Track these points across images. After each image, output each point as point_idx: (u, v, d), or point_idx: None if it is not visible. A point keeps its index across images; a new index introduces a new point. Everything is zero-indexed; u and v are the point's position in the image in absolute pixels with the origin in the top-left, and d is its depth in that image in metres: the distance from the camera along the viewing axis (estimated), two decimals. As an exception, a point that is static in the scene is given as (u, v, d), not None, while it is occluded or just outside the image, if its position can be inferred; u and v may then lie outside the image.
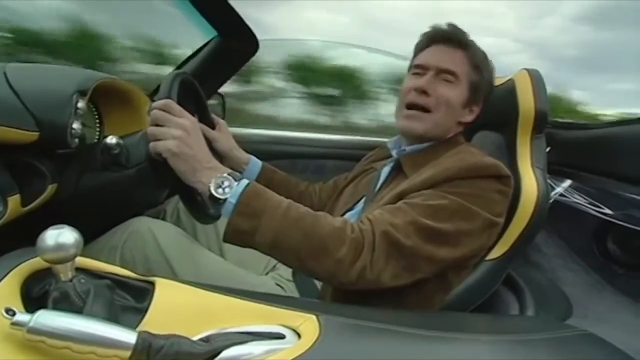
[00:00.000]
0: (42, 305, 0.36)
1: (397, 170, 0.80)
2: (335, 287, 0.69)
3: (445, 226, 0.62)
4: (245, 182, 0.58)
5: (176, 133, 0.59)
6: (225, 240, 0.58)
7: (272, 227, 0.56)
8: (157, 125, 0.61)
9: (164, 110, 0.61)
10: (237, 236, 0.58)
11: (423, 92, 0.76)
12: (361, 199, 0.84)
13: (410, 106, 0.78)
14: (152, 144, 0.60)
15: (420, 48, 0.82)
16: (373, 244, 0.59)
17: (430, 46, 0.79)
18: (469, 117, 0.81)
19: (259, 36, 1.22)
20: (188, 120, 0.62)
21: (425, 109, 0.76)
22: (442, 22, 0.80)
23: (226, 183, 0.57)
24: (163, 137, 0.60)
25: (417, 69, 0.79)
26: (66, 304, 0.35)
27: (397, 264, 0.60)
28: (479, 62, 0.78)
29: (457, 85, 0.76)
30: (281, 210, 0.57)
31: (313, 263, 0.58)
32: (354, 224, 0.61)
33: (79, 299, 0.36)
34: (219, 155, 0.96)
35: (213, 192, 0.57)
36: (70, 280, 0.36)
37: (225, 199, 0.57)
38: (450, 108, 0.76)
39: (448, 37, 0.77)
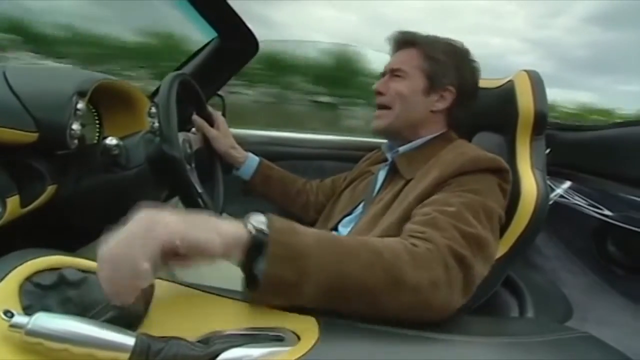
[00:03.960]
0: (55, 294, 0.37)
1: (393, 172, 0.81)
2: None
3: (477, 227, 0.57)
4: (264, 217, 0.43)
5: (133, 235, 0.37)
6: (254, 303, 0.42)
7: (323, 265, 0.42)
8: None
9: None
10: (277, 291, 0.41)
11: (379, 92, 0.83)
12: (359, 203, 0.84)
13: (376, 107, 0.85)
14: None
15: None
16: (445, 263, 0.49)
17: (390, 56, 0.87)
18: (441, 105, 0.81)
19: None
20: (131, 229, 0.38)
21: (385, 107, 0.83)
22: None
23: (259, 217, 0.43)
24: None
25: (380, 76, 0.87)
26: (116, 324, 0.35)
27: (461, 279, 0.51)
28: (433, 53, 0.80)
29: (407, 78, 0.81)
30: (327, 243, 0.44)
31: (387, 298, 0.44)
32: (409, 241, 0.51)
33: (128, 324, 0.36)
34: (218, 155, 0.96)
35: (255, 224, 0.42)
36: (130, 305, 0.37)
37: (263, 238, 0.41)
38: (406, 99, 0.81)
39: (396, 42, 0.85)
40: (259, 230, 0.41)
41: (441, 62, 0.80)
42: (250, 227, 0.42)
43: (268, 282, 0.40)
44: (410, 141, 0.82)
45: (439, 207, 0.60)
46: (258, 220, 0.42)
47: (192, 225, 0.39)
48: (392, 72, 0.83)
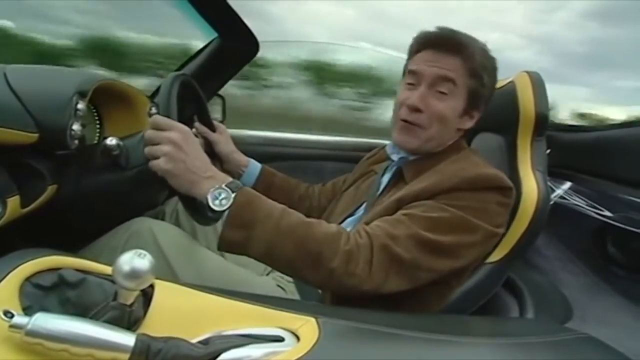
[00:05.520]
0: (56, 295, 0.37)
1: (398, 177, 0.79)
2: (332, 292, 0.69)
3: (445, 239, 0.61)
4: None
5: (165, 149, 0.60)
6: (219, 249, 0.59)
7: (264, 238, 0.56)
8: (151, 144, 0.62)
9: (154, 128, 0.62)
10: (230, 247, 0.58)
11: (415, 109, 0.71)
12: (362, 204, 0.83)
13: (404, 121, 0.74)
14: (149, 164, 0.62)
15: (414, 51, 0.76)
16: (371, 259, 0.58)
17: (424, 50, 0.73)
18: (468, 124, 0.77)
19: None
20: (177, 131, 0.61)
21: (417, 125, 0.73)
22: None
23: (223, 194, 0.57)
24: (155, 156, 0.61)
25: (411, 77, 0.74)
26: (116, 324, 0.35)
27: (396, 277, 0.60)
28: (477, 66, 0.71)
29: (452, 97, 0.71)
30: (273, 220, 0.57)
31: (306, 272, 0.58)
32: (350, 234, 0.61)
33: (128, 324, 0.36)
34: (219, 159, 0.97)
35: (211, 204, 0.57)
36: (130, 306, 0.36)
37: (223, 211, 0.57)
38: (445, 122, 0.73)
39: (442, 42, 0.71)
40: (219, 202, 0.57)
41: (484, 83, 0.72)
42: (211, 201, 0.57)
43: (223, 238, 0.57)
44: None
45: (410, 210, 0.64)
46: (221, 196, 0.57)
47: (188, 178, 0.60)
48: (434, 82, 0.70)
